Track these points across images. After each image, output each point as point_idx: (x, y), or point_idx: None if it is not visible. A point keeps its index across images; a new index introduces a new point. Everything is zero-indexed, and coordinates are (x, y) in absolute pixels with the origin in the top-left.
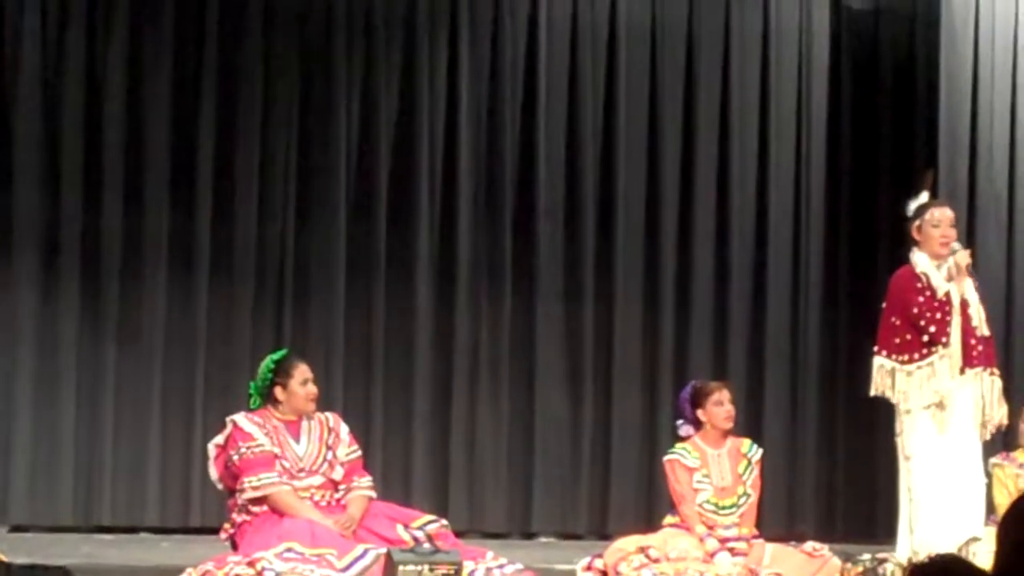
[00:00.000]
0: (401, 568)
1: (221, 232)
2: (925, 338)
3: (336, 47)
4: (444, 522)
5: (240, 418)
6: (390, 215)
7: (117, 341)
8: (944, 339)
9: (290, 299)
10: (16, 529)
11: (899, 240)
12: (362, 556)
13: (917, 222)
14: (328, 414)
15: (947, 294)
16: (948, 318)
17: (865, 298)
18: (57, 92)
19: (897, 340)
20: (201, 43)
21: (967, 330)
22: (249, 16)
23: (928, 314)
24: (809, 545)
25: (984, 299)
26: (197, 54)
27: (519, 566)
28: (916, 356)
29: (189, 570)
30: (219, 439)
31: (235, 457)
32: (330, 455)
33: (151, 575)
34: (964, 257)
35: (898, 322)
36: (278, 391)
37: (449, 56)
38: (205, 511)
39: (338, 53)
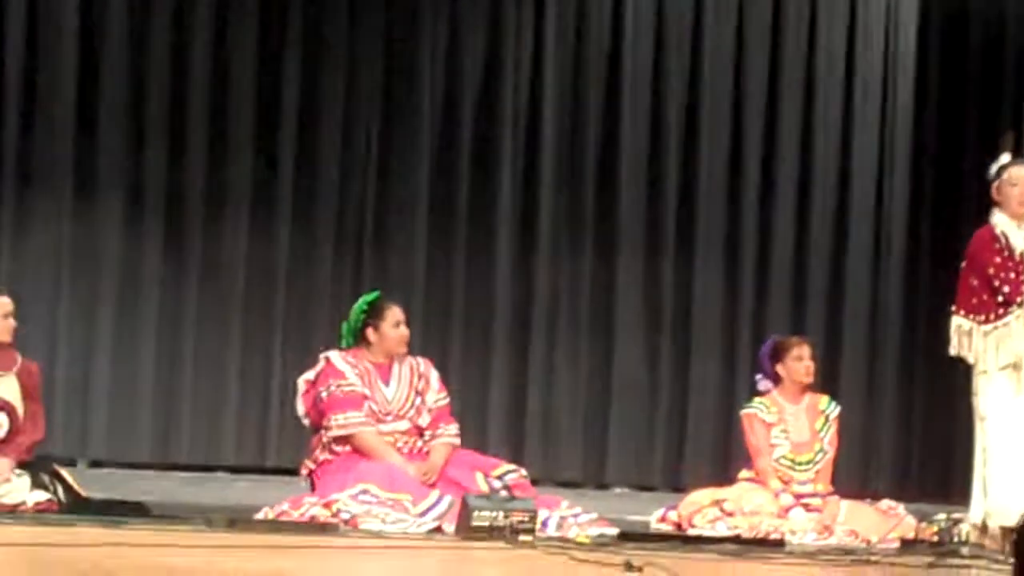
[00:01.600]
0: (476, 513)
1: (303, 178)
2: (1000, 298)
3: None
4: (524, 472)
5: (334, 355)
6: (472, 165)
7: (198, 282)
8: (1019, 299)
9: (370, 244)
10: (94, 464)
11: (983, 200)
12: (437, 502)
13: (996, 182)
14: (420, 359)
15: (1022, 253)
16: (1021, 278)
17: (947, 257)
18: (144, 38)
19: (975, 300)
20: None
21: None
22: None
23: (1003, 274)
24: (884, 503)
25: None
26: (283, 6)
27: (593, 515)
28: (992, 316)
29: (265, 509)
30: (310, 374)
31: (324, 394)
32: (418, 401)
33: (227, 514)
34: None
35: (976, 282)
36: (370, 332)
37: (535, 10)
38: (281, 452)
39: (424, 5)
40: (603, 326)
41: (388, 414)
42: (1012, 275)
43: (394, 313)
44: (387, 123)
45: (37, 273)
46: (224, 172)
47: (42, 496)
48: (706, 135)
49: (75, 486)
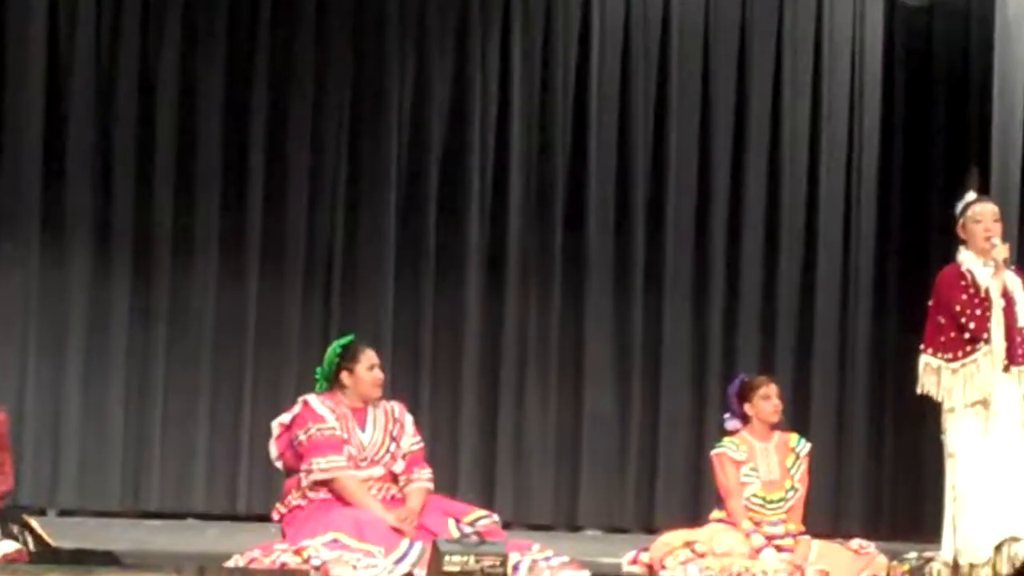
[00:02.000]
0: (447, 559)
1: (272, 221)
2: (966, 335)
3: (389, 39)
4: (496, 518)
5: (312, 398)
6: (440, 207)
7: (167, 329)
8: (984, 335)
9: (338, 288)
10: (64, 513)
11: (950, 237)
12: (408, 551)
13: (962, 219)
14: (394, 403)
15: (987, 290)
16: (988, 314)
17: (915, 295)
18: (110, 82)
19: (942, 338)
20: (254, 34)
21: (1012, 327)
22: (302, 8)
23: (969, 311)
24: (856, 542)
25: None
26: (250, 45)
27: (565, 558)
28: (960, 354)
29: (236, 557)
30: (285, 417)
31: (303, 437)
32: (393, 446)
33: (197, 561)
34: (1002, 252)
35: (943, 320)
36: (344, 376)
37: (501, 49)
38: (252, 498)
39: (391, 45)
40: (572, 368)
41: (364, 459)
42: (978, 312)
43: (368, 357)
44: (354, 166)
45: (4, 317)
46: (192, 215)
47: (11, 546)
48: (673, 172)
49: (44, 536)
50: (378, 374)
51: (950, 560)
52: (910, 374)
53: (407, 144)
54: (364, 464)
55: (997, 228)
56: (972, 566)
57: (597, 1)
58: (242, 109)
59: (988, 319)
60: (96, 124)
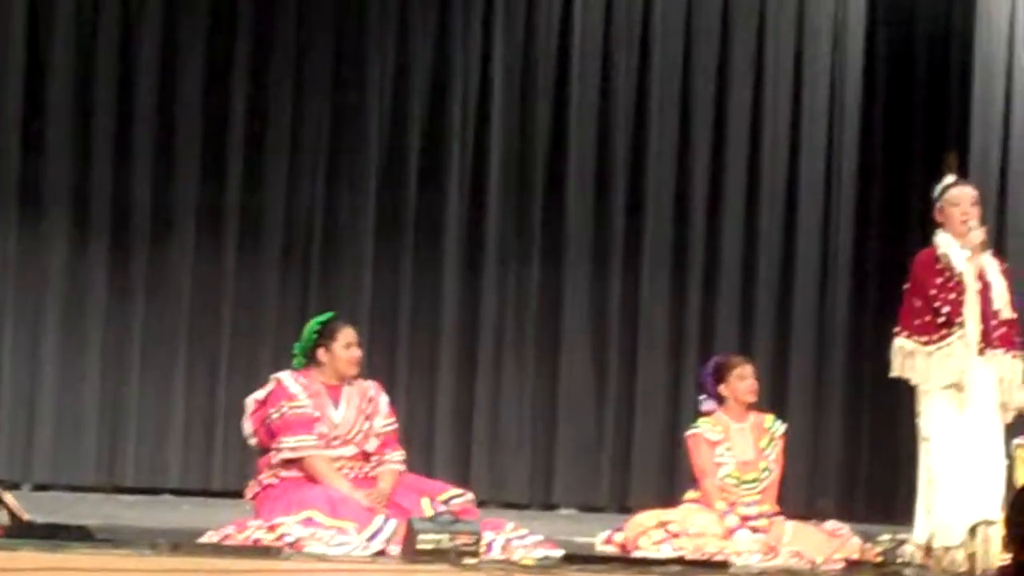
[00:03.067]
0: (420, 536)
1: (250, 197)
2: (940, 319)
3: (370, 13)
4: (470, 496)
5: (285, 376)
6: (420, 183)
7: (144, 303)
8: (959, 319)
9: (317, 264)
10: (39, 488)
11: (929, 221)
12: (383, 527)
13: (939, 203)
14: (370, 382)
15: (961, 274)
16: (962, 298)
17: (894, 278)
18: (90, 56)
19: (917, 321)
20: (234, 8)
21: (986, 311)
22: None
23: (943, 295)
24: (830, 524)
25: (1017, 282)
26: (230, 17)
27: (539, 537)
28: (935, 337)
29: (210, 533)
30: (259, 394)
31: (275, 415)
32: (366, 425)
33: (172, 537)
34: (978, 235)
35: (918, 303)
36: (321, 353)
37: (483, 24)
38: (227, 474)
39: (372, 20)
40: (549, 345)
41: (336, 438)
42: (952, 296)
43: (346, 334)
44: (334, 142)
45: None
46: (170, 191)
47: None
48: (654, 151)
49: (18, 510)
50: (355, 352)
51: (923, 543)
52: (887, 357)
53: (387, 119)
54: (336, 443)
55: (975, 212)
56: (946, 549)
57: None
58: (222, 84)
59: (962, 303)
60: (74, 98)
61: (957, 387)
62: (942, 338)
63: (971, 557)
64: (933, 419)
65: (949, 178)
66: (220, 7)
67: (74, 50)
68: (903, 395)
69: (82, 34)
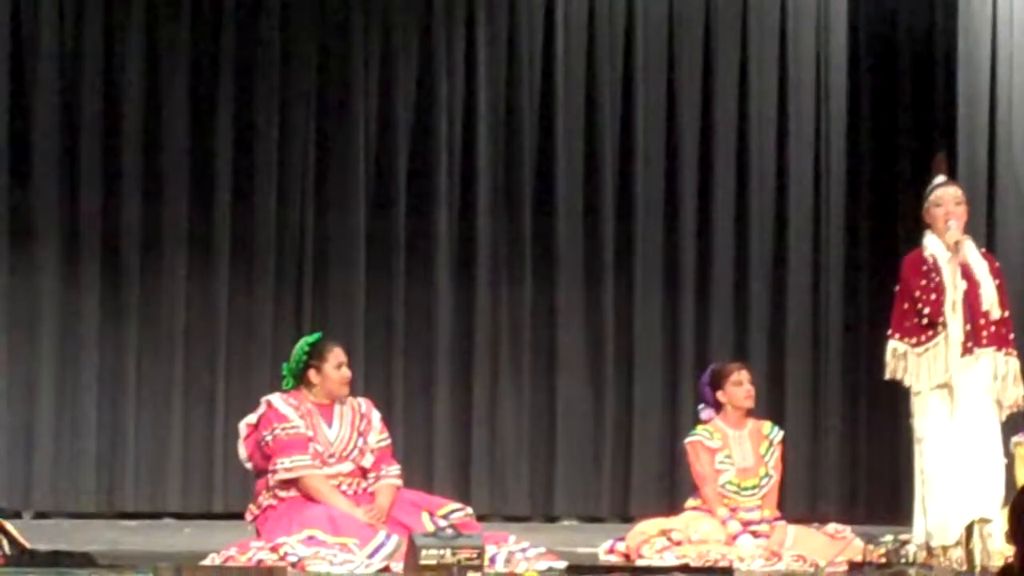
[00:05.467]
0: (423, 552)
1: (241, 220)
2: (924, 320)
3: (354, 35)
4: (469, 510)
5: (275, 398)
6: (409, 201)
7: (138, 329)
8: (940, 319)
9: (309, 285)
10: (39, 516)
11: (918, 223)
12: (385, 542)
13: (926, 204)
14: (360, 400)
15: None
16: (942, 298)
17: (885, 281)
18: (76, 81)
19: (907, 323)
20: (219, 33)
21: (975, 310)
22: (267, 6)
23: (925, 296)
24: (831, 527)
25: (1006, 282)
26: (215, 43)
27: (541, 549)
28: (923, 339)
29: (212, 555)
30: (251, 418)
31: (268, 437)
32: (361, 442)
33: (174, 561)
34: (954, 235)
35: (907, 306)
36: (312, 374)
37: (467, 42)
38: (228, 496)
39: (356, 40)
40: (545, 359)
41: (331, 456)
42: (933, 296)
43: (336, 354)
44: (322, 162)
45: None
46: (160, 214)
47: None
48: (641, 161)
49: (20, 538)
50: (346, 372)
51: (923, 542)
52: (881, 359)
53: (375, 140)
54: (332, 460)
55: (959, 211)
56: (944, 548)
57: None
58: (208, 107)
59: (942, 303)
60: (62, 123)
61: (946, 388)
62: (929, 339)
63: (969, 555)
64: (926, 420)
65: (939, 179)
66: (205, 37)
67: (59, 74)
68: (900, 397)
69: (66, 64)
